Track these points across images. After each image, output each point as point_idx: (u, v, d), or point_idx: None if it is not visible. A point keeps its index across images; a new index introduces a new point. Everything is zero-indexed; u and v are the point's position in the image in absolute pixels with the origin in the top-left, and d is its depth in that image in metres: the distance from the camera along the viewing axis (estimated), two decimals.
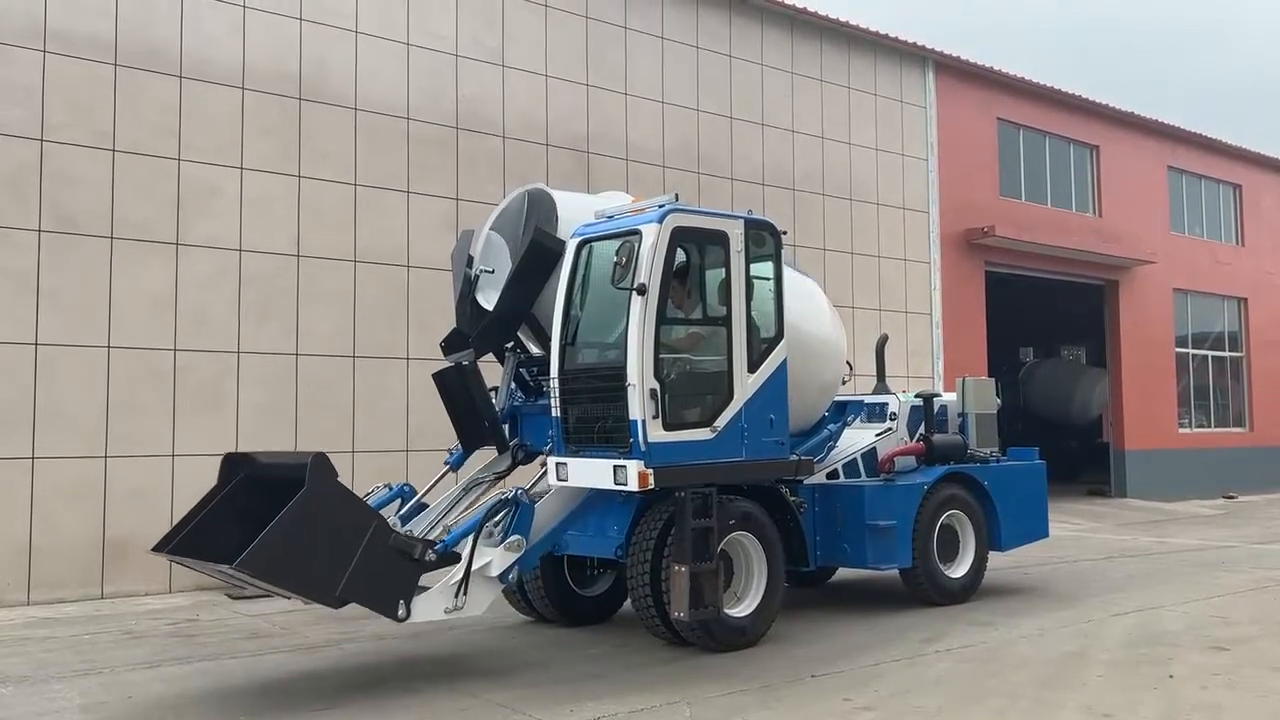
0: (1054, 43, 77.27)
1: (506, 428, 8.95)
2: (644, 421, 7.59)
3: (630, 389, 7.60)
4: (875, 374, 11.59)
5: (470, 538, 7.63)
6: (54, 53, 11.05)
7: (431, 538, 7.61)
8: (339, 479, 7.02)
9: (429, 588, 7.38)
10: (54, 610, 10.25)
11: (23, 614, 10.06)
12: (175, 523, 7.63)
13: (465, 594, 7.48)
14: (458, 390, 8.96)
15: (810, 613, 9.71)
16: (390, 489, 8.40)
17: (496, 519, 7.75)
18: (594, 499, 8.61)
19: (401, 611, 7.10)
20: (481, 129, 13.87)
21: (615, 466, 7.72)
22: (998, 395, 11.49)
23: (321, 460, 6.86)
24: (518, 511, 7.88)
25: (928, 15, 68.35)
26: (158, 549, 7.31)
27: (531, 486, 8.35)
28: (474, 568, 7.52)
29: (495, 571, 7.65)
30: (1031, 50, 73.13)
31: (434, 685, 7.29)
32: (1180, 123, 24.31)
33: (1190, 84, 71.74)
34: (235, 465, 7.70)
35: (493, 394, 8.93)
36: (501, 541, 7.71)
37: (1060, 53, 73.39)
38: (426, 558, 7.27)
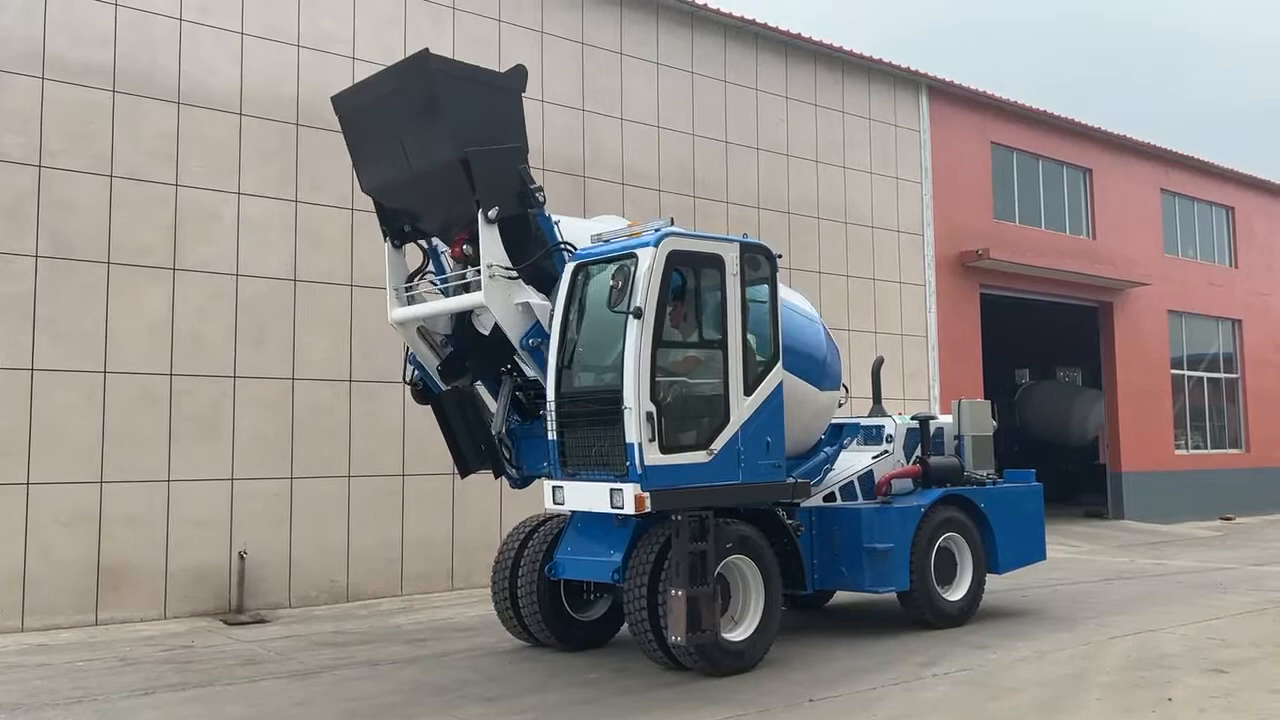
0: (1048, 62, 77.83)
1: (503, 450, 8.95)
2: (640, 445, 7.60)
3: (627, 412, 7.62)
4: (871, 396, 11.61)
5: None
6: (52, 79, 11.09)
7: None
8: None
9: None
10: (48, 637, 10.19)
11: (17, 641, 10.00)
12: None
13: (474, 271, 8.24)
14: (454, 414, 8.97)
15: (808, 636, 9.68)
16: None
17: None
18: (590, 522, 8.60)
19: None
20: None
21: (612, 490, 7.74)
22: (994, 417, 11.51)
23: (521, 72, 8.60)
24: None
25: (924, 46, 68.93)
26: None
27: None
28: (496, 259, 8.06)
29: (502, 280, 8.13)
30: (1025, 72, 73.70)
31: (431, 711, 7.25)
32: (1174, 145, 24.50)
33: (1185, 105, 72.30)
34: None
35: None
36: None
37: (1055, 73, 73.92)
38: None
